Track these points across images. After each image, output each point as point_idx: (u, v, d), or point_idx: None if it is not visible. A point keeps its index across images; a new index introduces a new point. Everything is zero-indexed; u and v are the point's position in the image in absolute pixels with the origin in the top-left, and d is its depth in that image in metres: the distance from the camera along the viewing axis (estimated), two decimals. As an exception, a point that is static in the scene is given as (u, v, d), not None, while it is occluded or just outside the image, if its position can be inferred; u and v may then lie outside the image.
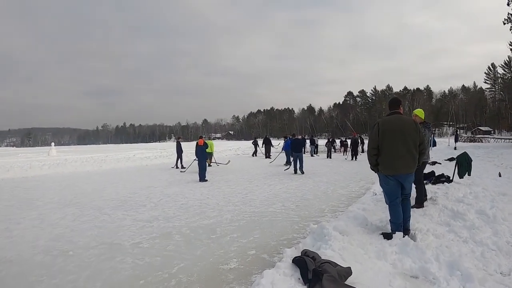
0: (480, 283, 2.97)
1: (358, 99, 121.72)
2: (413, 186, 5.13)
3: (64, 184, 11.95)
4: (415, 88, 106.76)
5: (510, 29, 27.80)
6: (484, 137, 47.55)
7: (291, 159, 14.16)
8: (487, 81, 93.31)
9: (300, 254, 3.42)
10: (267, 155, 23.37)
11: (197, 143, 12.56)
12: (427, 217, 5.11)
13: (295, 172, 13.29)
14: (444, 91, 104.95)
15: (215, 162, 18.02)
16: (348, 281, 3.00)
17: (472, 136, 51.84)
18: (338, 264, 3.16)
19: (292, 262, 3.29)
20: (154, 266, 4.01)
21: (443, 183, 7.63)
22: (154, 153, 30.24)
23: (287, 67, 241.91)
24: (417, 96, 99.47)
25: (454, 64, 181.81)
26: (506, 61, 75.75)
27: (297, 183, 10.67)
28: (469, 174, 7.93)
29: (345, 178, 11.67)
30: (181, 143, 17.58)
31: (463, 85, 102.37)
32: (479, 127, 77.55)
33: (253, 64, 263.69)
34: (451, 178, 7.94)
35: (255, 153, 26.17)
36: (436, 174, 8.29)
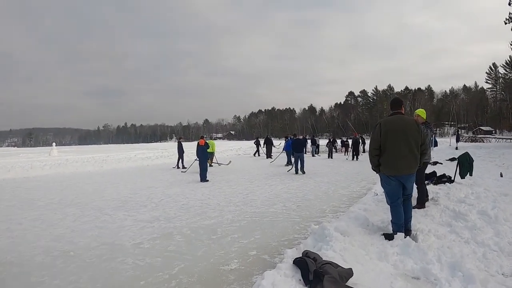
0: (482, 284, 2.96)
1: (359, 99, 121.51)
2: (415, 186, 5.12)
3: (65, 184, 11.96)
4: (416, 88, 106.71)
5: (512, 29, 27.77)
6: (486, 137, 47.53)
7: (292, 159, 14.16)
8: (488, 81, 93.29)
9: (301, 255, 3.41)
10: (269, 155, 23.37)
11: (198, 143, 12.57)
12: (429, 217, 5.09)
13: (296, 172, 13.29)
14: (445, 91, 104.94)
15: (217, 162, 18.02)
16: (349, 282, 2.99)
17: (474, 136, 51.80)
18: (339, 265, 3.15)
19: (293, 263, 3.27)
20: (155, 266, 4.01)
21: (444, 184, 7.61)
22: (155, 153, 30.23)
23: (288, 67, 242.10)
24: (418, 96, 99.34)
25: (455, 64, 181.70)
26: (508, 61, 75.55)
27: (298, 183, 10.66)
28: (470, 175, 7.90)
29: (346, 178, 11.66)
30: (182, 143, 17.59)
31: (465, 85, 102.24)
32: (481, 127, 77.41)
33: (254, 64, 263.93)
34: (452, 179, 7.92)
35: (257, 152, 26.19)
36: (437, 175, 8.27)
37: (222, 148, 35.06)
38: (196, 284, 3.52)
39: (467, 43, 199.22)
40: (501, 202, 5.73)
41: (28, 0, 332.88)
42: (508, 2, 27.03)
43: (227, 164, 17.65)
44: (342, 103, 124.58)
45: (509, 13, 28.09)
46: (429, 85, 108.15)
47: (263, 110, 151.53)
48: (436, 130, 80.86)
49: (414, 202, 5.43)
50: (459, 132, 44.24)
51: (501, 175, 9.24)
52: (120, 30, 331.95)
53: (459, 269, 3.19)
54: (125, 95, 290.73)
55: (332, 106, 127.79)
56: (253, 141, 28.57)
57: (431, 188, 7.00)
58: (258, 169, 15.69)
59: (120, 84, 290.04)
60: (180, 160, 17.07)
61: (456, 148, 24.12)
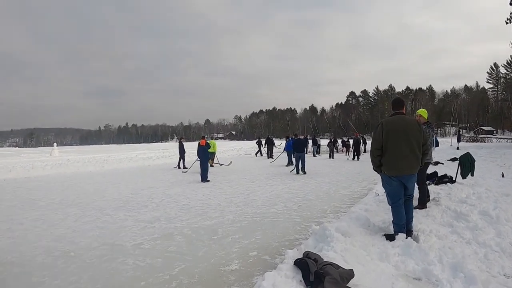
0: (483, 285, 2.95)
1: (360, 99, 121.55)
2: (416, 186, 5.11)
3: (66, 184, 11.97)
4: (417, 88, 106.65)
5: (513, 29, 27.74)
6: (487, 137, 47.44)
7: (293, 159, 14.16)
8: (489, 81, 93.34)
9: (302, 256, 3.40)
10: (270, 154, 23.38)
11: (199, 143, 12.57)
12: (430, 218, 5.08)
13: (297, 172, 13.29)
14: (446, 91, 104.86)
15: (218, 163, 18.02)
16: (350, 284, 2.98)
17: (475, 136, 51.66)
18: (340, 266, 3.14)
19: (294, 264, 3.27)
20: (155, 267, 4.00)
21: (446, 184, 7.60)
22: (156, 153, 30.25)
23: (288, 67, 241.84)
24: (419, 96, 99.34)
25: (455, 64, 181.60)
26: (509, 61, 75.68)
27: (299, 183, 10.66)
28: (472, 175, 7.88)
29: (347, 178, 11.65)
30: (183, 143, 17.60)
31: (466, 85, 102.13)
32: (482, 127, 77.30)
33: (255, 64, 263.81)
34: (454, 179, 7.91)
35: (259, 152, 26.21)
36: (439, 175, 8.26)
37: (223, 148, 35.07)
38: (197, 285, 3.51)
39: (468, 43, 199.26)
40: (502, 202, 5.71)
41: (28, 0, 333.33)
42: (509, 2, 27.00)
43: (228, 165, 17.65)
44: (343, 103, 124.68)
45: (510, 13, 28.10)
46: (430, 85, 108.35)
47: (264, 110, 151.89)
48: (437, 130, 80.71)
49: (415, 202, 5.42)
50: (461, 132, 44.18)
51: (503, 175, 9.22)
52: (120, 30, 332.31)
53: (461, 270, 3.18)
54: (126, 95, 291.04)
55: (333, 106, 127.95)
56: (255, 141, 28.63)
57: (432, 188, 6.99)
58: (259, 169, 15.69)
59: (120, 84, 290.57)
60: (181, 160, 17.09)
61: (458, 148, 24.10)
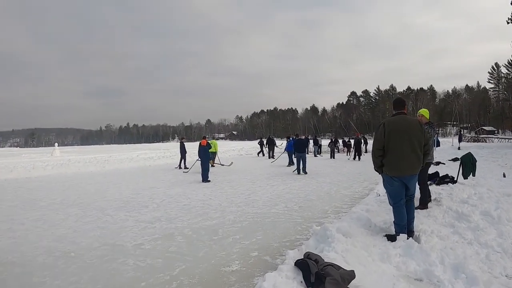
0: (485, 286, 2.94)
1: (361, 99, 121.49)
2: (417, 187, 5.09)
3: (67, 184, 11.98)
4: (418, 88, 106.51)
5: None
6: (488, 137, 47.33)
7: (294, 159, 14.15)
8: (490, 81, 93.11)
9: (302, 257, 3.39)
10: (271, 154, 23.38)
11: (200, 143, 12.56)
12: (431, 218, 5.06)
13: (298, 172, 13.28)
14: (447, 90, 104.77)
15: (219, 163, 18.00)
16: (351, 285, 2.97)
17: (476, 136, 51.57)
18: (341, 267, 3.13)
19: (295, 264, 3.25)
20: (156, 267, 3.99)
21: (447, 184, 7.58)
22: (157, 154, 30.26)
23: (290, 67, 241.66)
24: (420, 96, 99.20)
25: (456, 63, 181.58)
26: (510, 61, 75.48)
27: (300, 183, 10.65)
28: (473, 175, 7.86)
29: (349, 178, 11.64)
30: (184, 143, 17.59)
31: (467, 85, 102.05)
32: (483, 127, 77.22)
33: (257, 64, 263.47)
34: (455, 179, 7.88)
35: (261, 153, 26.23)
36: (440, 175, 8.23)
37: (224, 148, 35.07)
38: (197, 286, 3.50)
39: (469, 43, 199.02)
40: (504, 202, 5.69)
41: (28, 0, 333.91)
42: (510, 2, 26.93)
43: (229, 165, 17.64)
44: (344, 103, 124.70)
45: (511, 13, 28.02)
46: (431, 85, 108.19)
47: (265, 110, 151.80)
48: (438, 130, 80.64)
49: (416, 202, 5.41)
50: (462, 132, 44.07)
51: (504, 175, 9.19)
52: (120, 30, 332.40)
53: (462, 270, 3.17)
54: (127, 95, 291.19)
55: (334, 106, 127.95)
56: (257, 141, 28.68)
57: (433, 188, 6.98)
58: (260, 170, 15.68)
59: (122, 84, 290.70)
60: (183, 161, 17.09)
61: (459, 148, 24.06)
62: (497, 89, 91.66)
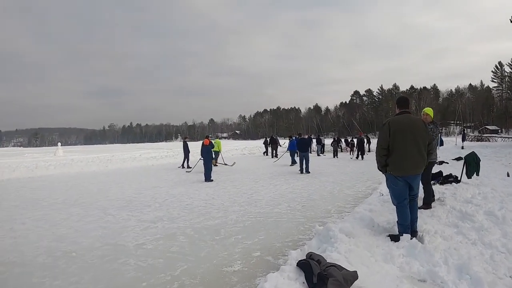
0: (489, 287, 2.90)
1: (364, 98, 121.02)
2: (421, 186, 5.05)
3: (70, 184, 12.00)
4: (421, 87, 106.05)
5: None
6: (492, 136, 47.00)
7: (297, 159, 14.12)
8: (494, 80, 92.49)
9: (305, 257, 3.36)
10: (274, 154, 23.37)
11: (203, 143, 12.54)
12: (435, 218, 5.02)
13: (301, 172, 13.24)
14: (451, 90, 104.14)
15: (223, 162, 17.98)
16: (354, 286, 2.94)
17: (479, 135, 51.28)
18: (344, 268, 3.09)
19: (297, 265, 3.22)
20: (157, 268, 3.97)
21: (451, 184, 7.52)
22: (160, 153, 30.32)
23: (292, 67, 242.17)
24: (424, 95, 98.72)
25: (459, 63, 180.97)
26: (514, 59, 74.96)
27: (303, 183, 10.61)
28: (477, 174, 7.80)
29: (352, 178, 11.59)
30: (188, 143, 17.58)
31: (470, 84, 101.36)
32: (486, 126, 76.72)
33: (259, 64, 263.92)
34: (459, 178, 7.83)
35: (266, 152, 26.23)
36: (444, 174, 8.17)
37: (227, 147, 35.06)
38: (199, 286, 3.48)
39: (469, 43, 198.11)
40: (508, 202, 5.64)
41: (28, 0, 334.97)
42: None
43: (232, 165, 17.62)
44: (347, 102, 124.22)
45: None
46: (434, 84, 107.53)
47: (268, 110, 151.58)
48: (442, 129, 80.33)
49: (420, 202, 5.37)
50: (465, 131, 43.84)
51: (508, 175, 9.12)
52: (120, 30, 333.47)
53: (467, 271, 3.13)
54: (129, 95, 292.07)
55: (338, 106, 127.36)
56: (262, 141, 28.76)
57: (437, 188, 6.92)
58: (263, 169, 15.65)
59: (124, 84, 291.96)
60: (186, 160, 17.08)
61: (462, 148, 23.91)
62: (501, 88, 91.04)
